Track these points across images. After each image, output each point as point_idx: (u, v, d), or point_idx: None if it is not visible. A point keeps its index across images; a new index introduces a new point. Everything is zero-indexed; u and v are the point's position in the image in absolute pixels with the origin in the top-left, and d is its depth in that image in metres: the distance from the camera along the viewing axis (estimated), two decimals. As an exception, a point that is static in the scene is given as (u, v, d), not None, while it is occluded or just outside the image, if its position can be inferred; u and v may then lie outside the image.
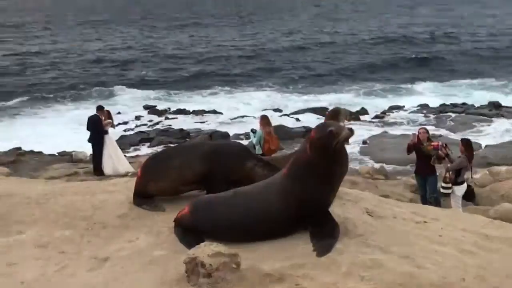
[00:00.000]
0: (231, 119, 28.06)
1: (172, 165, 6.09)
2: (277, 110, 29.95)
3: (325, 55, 49.38)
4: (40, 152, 19.30)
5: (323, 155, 4.93)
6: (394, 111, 29.47)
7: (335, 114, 7.55)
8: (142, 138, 23.52)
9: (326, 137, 4.88)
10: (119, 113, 28.35)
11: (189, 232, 5.14)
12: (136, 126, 26.89)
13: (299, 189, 4.99)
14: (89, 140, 14.74)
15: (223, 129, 25.17)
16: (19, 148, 19.63)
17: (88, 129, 14.72)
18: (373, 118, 27.80)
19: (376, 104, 30.95)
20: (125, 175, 13.65)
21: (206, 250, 4.37)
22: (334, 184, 5.13)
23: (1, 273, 4.60)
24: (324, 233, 4.95)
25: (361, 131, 23.46)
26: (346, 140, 4.98)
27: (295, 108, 30.09)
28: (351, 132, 4.95)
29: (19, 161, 17.82)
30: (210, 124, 27.42)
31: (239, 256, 4.37)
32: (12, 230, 5.59)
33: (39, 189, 7.11)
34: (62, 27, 73.44)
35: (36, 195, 6.62)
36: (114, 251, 4.99)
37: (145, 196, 6.18)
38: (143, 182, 6.21)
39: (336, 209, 5.49)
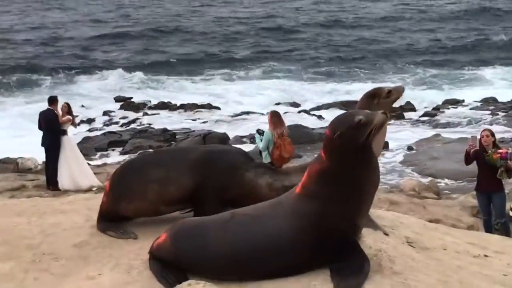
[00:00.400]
0: (232, 116, 28.18)
1: (151, 178, 6.12)
2: (293, 104, 30.07)
3: (359, 31, 49.44)
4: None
5: (346, 159, 4.92)
6: (450, 106, 29.50)
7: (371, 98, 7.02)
8: (112, 141, 23.62)
9: (352, 131, 4.85)
10: (82, 106, 28.52)
11: (169, 266, 5.16)
12: (105, 124, 27.05)
13: (315, 211, 4.99)
14: (42, 144, 14.80)
15: (220, 129, 25.24)
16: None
17: (40, 128, 14.79)
18: (422, 115, 27.82)
19: (426, 97, 31.00)
20: (88, 190, 13.69)
21: (191, 291, 4.40)
22: (363, 202, 5.13)
23: None
24: (349, 270, 4.95)
25: (405, 134, 23.47)
26: (380, 129, 4.92)
27: (317, 102, 30.20)
28: (386, 116, 4.91)
29: None
30: (204, 122, 27.49)
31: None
32: None
33: (-29, 208, 7.15)
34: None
35: (-33, 216, 6.66)
36: (68, 291, 5.01)
37: (115, 218, 6.21)
38: (112, 201, 6.24)
39: (366, 239, 5.48)
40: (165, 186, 6.07)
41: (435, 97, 31.24)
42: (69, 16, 57.79)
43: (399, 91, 5.99)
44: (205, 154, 6.34)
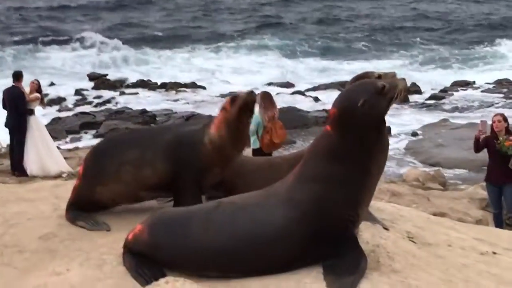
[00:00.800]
0: (218, 97, 28.15)
1: (125, 159, 6.13)
2: (286, 85, 30.07)
3: (362, 4, 49.40)
4: None
5: (363, 134, 4.84)
6: (459, 89, 29.64)
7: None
8: (85, 122, 23.64)
9: (377, 98, 4.78)
10: (52, 84, 28.43)
11: (145, 261, 5.16)
12: (77, 104, 27.02)
13: (314, 195, 4.97)
14: (6, 125, 14.77)
15: (205, 111, 25.23)
16: None
17: (4, 107, 14.75)
18: (428, 98, 27.92)
19: (434, 78, 31.09)
20: (57, 176, 13.68)
21: (170, 288, 4.40)
22: (369, 187, 5.11)
23: None
24: (344, 267, 4.96)
25: (410, 118, 23.54)
26: (402, 96, 4.90)
27: (313, 83, 30.21)
28: (405, 82, 4.89)
29: None
30: (187, 103, 27.49)
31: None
32: None
33: None
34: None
35: None
36: (32, 286, 5.01)
37: (89, 206, 6.23)
38: (86, 185, 6.24)
39: (363, 233, 5.51)
40: (139, 168, 6.08)
41: (444, 78, 31.40)
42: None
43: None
44: (180, 134, 6.30)
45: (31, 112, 14.57)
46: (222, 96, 28.00)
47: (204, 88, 29.66)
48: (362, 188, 5.04)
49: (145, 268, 5.10)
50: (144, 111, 24.93)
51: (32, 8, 46.94)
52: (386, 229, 5.96)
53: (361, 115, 4.79)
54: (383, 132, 4.98)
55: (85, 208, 6.22)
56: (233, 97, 6.00)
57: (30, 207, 6.53)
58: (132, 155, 6.11)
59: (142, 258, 5.18)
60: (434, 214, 9.50)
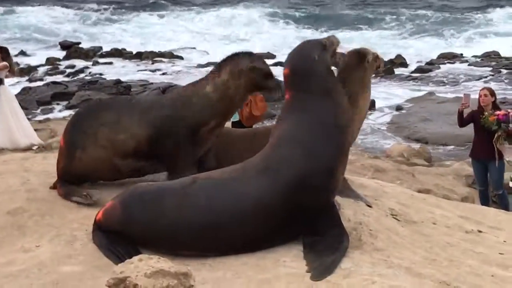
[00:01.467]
0: (196, 67, 28.07)
1: (101, 121, 6.20)
2: (267, 56, 29.96)
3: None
4: None
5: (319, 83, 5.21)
6: (446, 61, 29.70)
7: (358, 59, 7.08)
8: (57, 92, 23.47)
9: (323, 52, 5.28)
10: (22, 53, 28.20)
11: (117, 238, 5.15)
12: (48, 74, 26.85)
13: (289, 163, 5.03)
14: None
15: (182, 82, 25.11)
16: None
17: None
18: (414, 71, 27.98)
19: (419, 50, 31.10)
20: (27, 149, 13.60)
21: (142, 266, 4.38)
22: (345, 145, 5.24)
23: None
24: (325, 245, 4.98)
25: (394, 91, 23.60)
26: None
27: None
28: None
29: None
30: (164, 74, 27.39)
31: (192, 276, 4.39)
32: None
33: None
34: None
35: None
36: (1, 265, 4.99)
37: (74, 178, 6.27)
38: (67, 154, 6.28)
39: (345, 210, 5.53)
40: (115, 132, 6.12)
41: (431, 50, 31.41)
42: None
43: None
44: (159, 99, 6.49)
45: (1, 82, 14.44)
46: (200, 66, 27.93)
47: (181, 58, 29.53)
48: (337, 148, 5.14)
49: (118, 245, 5.10)
50: (118, 81, 24.78)
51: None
52: (369, 206, 5.99)
53: (316, 68, 5.22)
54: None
55: (73, 181, 6.26)
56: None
57: (-1, 180, 6.50)
58: (110, 118, 6.17)
59: (114, 235, 5.18)
60: (419, 191, 9.57)
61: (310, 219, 5.06)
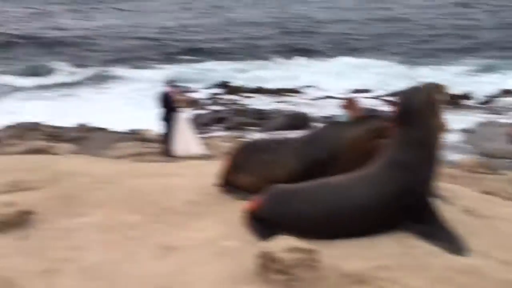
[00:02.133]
0: (314, 100, 27.96)
1: (262, 159, 6.17)
2: (365, 90, 29.38)
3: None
4: (105, 129, 20.05)
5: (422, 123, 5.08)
6: (507, 95, 28.13)
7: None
8: (216, 117, 23.89)
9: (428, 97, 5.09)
10: (190, 90, 28.92)
11: (263, 223, 5.20)
12: (210, 104, 27.32)
13: (399, 176, 5.02)
14: (160, 118, 15.13)
15: (305, 110, 25.08)
16: (85, 124, 20.50)
17: (159, 105, 15.10)
18: (480, 103, 26.79)
19: (485, 85, 29.67)
20: (197, 158, 13.93)
21: (282, 244, 4.41)
22: (437, 161, 5.17)
23: (65, 257, 4.85)
24: (444, 233, 4.95)
25: (462, 118, 22.74)
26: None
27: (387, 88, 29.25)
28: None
29: (85, 138, 18.59)
30: (290, 104, 27.42)
31: (319, 252, 4.38)
32: (78, 212, 5.85)
33: (106, 169, 7.41)
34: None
35: (101, 176, 6.91)
36: (182, 239, 5.12)
37: (232, 186, 6.30)
38: (232, 171, 6.31)
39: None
40: (272, 169, 6.07)
41: (493, 85, 29.80)
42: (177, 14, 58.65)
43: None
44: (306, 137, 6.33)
45: (179, 110, 14.87)
46: (317, 98, 27.90)
47: (304, 93, 29.52)
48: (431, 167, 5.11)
49: (263, 228, 5.14)
50: (258, 110, 25.06)
51: (177, 26, 48.37)
52: (447, 204, 5.81)
53: (423, 109, 5.09)
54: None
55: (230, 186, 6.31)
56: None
57: (180, 180, 6.69)
58: (268, 156, 6.15)
59: (261, 221, 5.23)
60: (487, 193, 9.17)
61: (415, 214, 5.03)
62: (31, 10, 63.74)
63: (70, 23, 51.82)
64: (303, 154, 6.07)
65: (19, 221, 5.53)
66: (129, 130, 19.94)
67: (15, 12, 62.77)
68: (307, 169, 5.93)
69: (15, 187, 6.79)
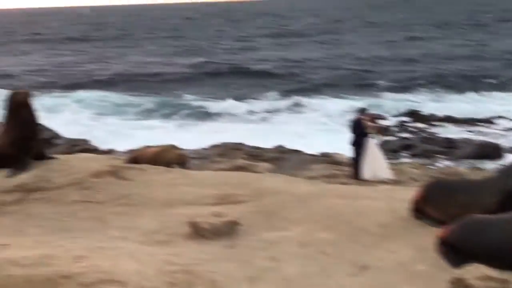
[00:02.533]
0: (504, 130, 26.18)
1: (457, 200, 5.82)
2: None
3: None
4: (300, 151, 20.55)
5: None
6: None
7: None
8: (404, 144, 23.35)
9: None
10: (381, 117, 28.60)
11: (455, 251, 4.98)
12: (398, 131, 26.79)
13: None
14: (351, 143, 15.19)
15: (496, 141, 23.56)
16: (282, 146, 21.21)
17: (351, 131, 15.18)
18: None
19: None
20: (385, 182, 13.73)
21: (474, 271, 4.23)
22: None
23: (267, 266, 5.06)
24: None
25: None
26: None
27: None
28: None
29: (281, 158, 19.24)
30: (481, 134, 25.92)
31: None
32: (278, 226, 6.09)
33: (302, 189, 7.61)
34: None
35: (300, 194, 7.11)
36: (375, 259, 5.10)
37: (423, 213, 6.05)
38: (423, 201, 6.05)
39: None
40: (467, 210, 5.59)
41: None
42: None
43: None
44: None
45: (369, 136, 14.81)
46: (510, 130, 26.14)
47: (495, 123, 27.73)
48: None
49: (455, 255, 4.93)
50: (447, 139, 24.02)
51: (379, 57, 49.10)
52: None
53: None
54: None
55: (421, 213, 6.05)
56: None
57: (371, 202, 6.66)
58: (462, 198, 5.81)
59: (453, 248, 5.02)
60: None
61: None
62: (239, 44, 67.87)
63: (274, 55, 54.12)
64: (500, 188, 5.67)
65: (226, 230, 5.88)
66: (321, 153, 20.24)
67: (226, 44, 67.47)
68: (503, 202, 5.54)
69: (224, 200, 7.24)
